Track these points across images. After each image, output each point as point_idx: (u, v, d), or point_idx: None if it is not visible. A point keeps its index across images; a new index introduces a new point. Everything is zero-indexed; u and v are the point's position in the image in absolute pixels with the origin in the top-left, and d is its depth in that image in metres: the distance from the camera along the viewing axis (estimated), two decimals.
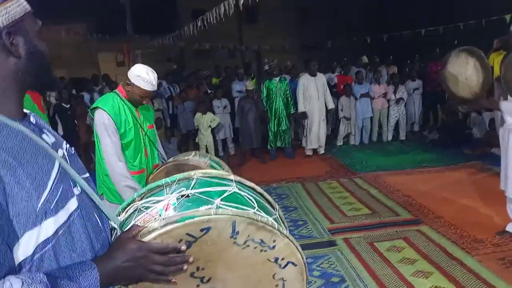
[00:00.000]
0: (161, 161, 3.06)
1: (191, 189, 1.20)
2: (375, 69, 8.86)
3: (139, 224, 1.09)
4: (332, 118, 8.25)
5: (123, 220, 1.19)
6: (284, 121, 7.45)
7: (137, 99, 2.75)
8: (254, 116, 7.22)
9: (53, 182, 0.91)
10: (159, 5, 19.10)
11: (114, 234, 1.15)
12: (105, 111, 2.63)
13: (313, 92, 7.27)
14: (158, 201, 1.20)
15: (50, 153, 0.94)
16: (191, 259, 1.05)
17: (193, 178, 1.26)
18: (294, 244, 1.19)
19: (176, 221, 1.05)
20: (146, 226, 1.06)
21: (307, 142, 7.52)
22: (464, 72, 3.63)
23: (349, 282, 3.22)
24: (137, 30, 14.64)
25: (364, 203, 4.99)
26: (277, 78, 7.48)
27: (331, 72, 9.22)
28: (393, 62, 9.90)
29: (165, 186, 1.26)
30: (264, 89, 7.50)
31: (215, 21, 7.25)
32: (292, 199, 5.28)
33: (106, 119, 2.62)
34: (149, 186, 1.28)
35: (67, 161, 1.02)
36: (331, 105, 7.46)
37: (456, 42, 8.14)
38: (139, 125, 2.80)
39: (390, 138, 8.24)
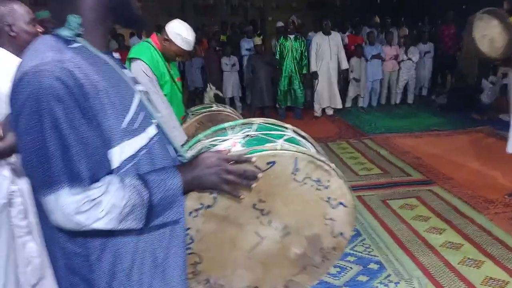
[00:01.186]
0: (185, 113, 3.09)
1: (254, 131, 1.32)
2: (386, 30, 8.70)
3: None
4: (341, 79, 8.19)
5: (191, 156, 1.26)
6: (296, 81, 7.38)
7: (172, 55, 2.73)
8: (265, 73, 7.15)
9: (135, 108, 1.02)
10: None
11: None
12: (146, 63, 2.60)
13: (326, 52, 7.15)
14: (225, 140, 1.30)
15: (131, 85, 1.05)
16: (260, 175, 1.11)
17: (254, 123, 1.38)
18: (346, 186, 1.27)
19: (245, 154, 1.13)
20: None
21: (317, 102, 7.49)
22: (489, 33, 3.60)
23: (364, 236, 3.35)
24: None
25: (375, 163, 5.07)
26: (292, 36, 7.34)
27: (341, 32, 9.05)
28: (404, 23, 9.69)
29: (229, 128, 1.38)
30: (278, 47, 7.37)
31: None
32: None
33: (150, 72, 2.59)
34: (213, 128, 1.41)
35: (144, 96, 1.12)
36: (345, 65, 7.36)
37: (465, 6, 8.00)
38: (172, 78, 2.80)
39: (398, 101, 8.23)
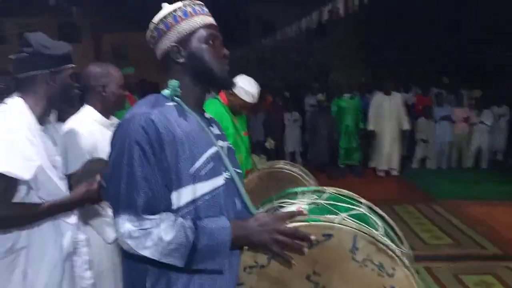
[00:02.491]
0: (252, 167, 3.13)
1: (322, 200, 1.32)
2: (456, 92, 8.41)
3: None
4: (407, 139, 7.92)
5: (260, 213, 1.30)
6: (354, 139, 7.29)
7: (237, 109, 2.82)
8: (325, 131, 7.13)
9: (206, 158, 1.15)
10: (230, 17, 19.73)
11: None
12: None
13: (386, 111, 7.01)
14: (291, 204, 1.31)
15: (211, 139, 1.20)
16: (313, 237, 1.11)
17: (326, 192, 1.39)
18: (415, 279, 1.16)
19: (302, 220, 1.14)
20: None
21: (378, 163, 7.27)
22: None
23: None
24: None
25: (445, 232, 4.70)
26: (348, 95, 7.35)
27: (405, 92, 8.88)
28: (476, 84, 9.32)
29: (300, 193, 1.41)
30: (335, 106, 7.40)
31: (290, 35, 7.31)
32: None
33: None
34: (287, 191, 1.46)
35: (224, 152, 1.24)
36: (406, 126, 7.15)
37: None
38: (237, 132, 2.87)
39: (470, 165, 7.74)
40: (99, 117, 2.00)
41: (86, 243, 1.76)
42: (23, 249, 1.49)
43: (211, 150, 1.18)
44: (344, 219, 1.15)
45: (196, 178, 1.12)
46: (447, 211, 5.43)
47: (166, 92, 1.19)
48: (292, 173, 2.79)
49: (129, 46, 18.22)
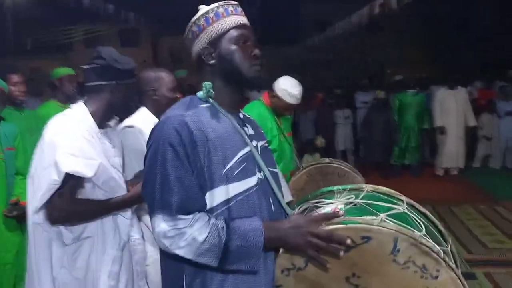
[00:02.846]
0: (297, 167, 3.10)
1: (360, 199, 1.24)
2: None
3: None
4: (468, 136, 7.42)
5: (295, 213, 1.28)
6: (414, 137, 6.95)
7: (281, 110, 2.81)
8: (382, 128, 6.84)
9: (238, 159, 1.17)
10: (284, 16, 19.68)
11: None
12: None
13: (451, 107, 6.63)
14: (328, 203, 1.27)
15: (245, 139, 1.21)
16: (348, 241, 1.06)
17: (363, 190, 1.31)
18: (461, 281, 1.08)
19: (339, 222, 1.10)
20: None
21: (440, 161, 6.88)
22: None
23: None
24: (264, 40, 15.31)
25: (508, 236, 4.34)
26: (411, 91, 7.01)
27: (470, 85, 8.32)
28: None
29: (337, 192, 1.35)
30: (397, 102, 7.08)
31: (342, 31, 7.14)
32: None
33: None
34: (323, 189, 1.40)
35: (258, 151, 1.25)
36: (472, 122, 6.74)
37: None
38: (281, 133, 2.86)
39: None
40: (153, 118, 2.12)
41: (141, 241, 1.86)
42: (88, 238, 1.63)
43: (244, 151, 1.19)
44: (383, 220, 1.10)
45: (229, 178, 1.13)
46: (511, 213, 5.02)
47: (200, 93, 1.22)
48: (341, 167, 2.74)
49: (184, 50, 18.86)
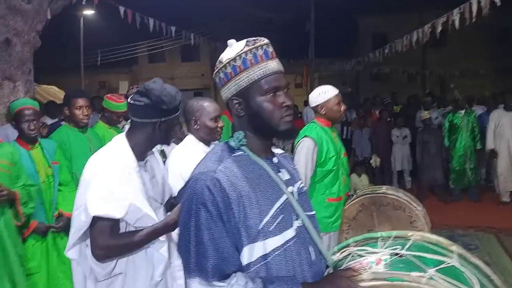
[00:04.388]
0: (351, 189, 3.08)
1: (406, 250, 1.17)
2: None
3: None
4: None
5: (336, 260, 1.24)
6: (470, 159, 6.57)
7: (336, 110, 2.84)
8: (436, 149, 6.55)
9: (275, 211, 1.13)
10: (341, 30, 19.50)
11: (327, 271, 1.23)
12: (313, 138, 2.76)
13: (507, 129, 6.19)
14: (371, 253, 1.21)
15: (280, 187, 1.17)
16: None
17: (410, 239, 1.23)
18: None
19: (384, 279, 1.05)
20: (357, 275, 1.09)
21: (500, 186, 6.43)
22: None
23: None
24: (318, 54, 15.26)
25: None
26: (463, 111, 6.67)
27: None
28: None
29: (380, 239, 1.27)
30: (447, 123, 6.77)
31: (402, 49, 6.94)
32: (483, 253, 4.56)
33: (313, 147, 2.73)
34: (366, 235, 1.33)
35: (295, 197, 1.21)
36: None
37: None
38: (338, 154, 2.85)
39: None
40: (198, 145, 2.22)
41: (181, 267, 1.88)
42: (120, 275, 1.69)
43: (280, 201, 1.15)
44: (432, 278, 1.03)
45: (266, 233, 1.10)
46: None
47: (231, 142, 1.19)
48: (398, 198, 2.65)
49: None
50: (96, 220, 1.58)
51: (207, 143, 2.26)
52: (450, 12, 5.03)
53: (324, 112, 2.85)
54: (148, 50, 18.70)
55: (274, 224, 1.12)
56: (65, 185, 2.89)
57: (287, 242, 1.13)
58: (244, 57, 1.15)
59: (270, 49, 1.19)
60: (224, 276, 1.06)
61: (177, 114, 1.78)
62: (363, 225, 2.78)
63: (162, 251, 1.75)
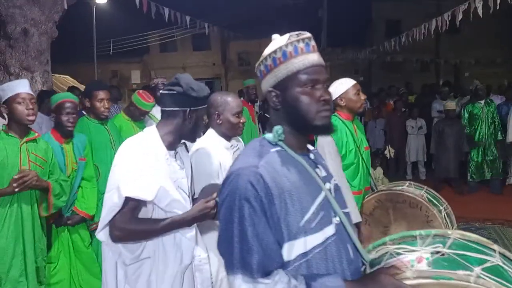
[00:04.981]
0: (372, 184, 3.05)
1: (447, 248, 1.14)
2: None
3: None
4: None
5: (373, 259, 1.23)
6: (491, 150, 6.47)
7: (356, 101, 2.81)
8: (453, 141, 6.45)
9: (316, 207, 1.12)
10: (353, 17, 19.22)
11: (363, 269, 1.22)
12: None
13: None
14: (410, 251, 1.19)
15: (319, 184, 1.17)
16: None
17: (450, 237, 1.20)
18: None
19: (430, 277, 1.02)
20: (400, 272, 1.08)
21: None
22: None
23: None
24: (330, 43, 15.08)
25: None
26: (482, 101, 6.53)
27: None
28: None
29: (419, 237, 1.24)
30: (466, 113, 6.64)
31: (420, 37, 6.78)
32: (501, 246, 4.50)
33: (330, 140, 2.69)
34: (402, 233, 1.30)
35: (332, 194, 1.20)
36: None
37: None
38: (358, 147, 2.82)
39: None
40: (220, 140, 2.22)
41: (207, 260, 1.90)
42: (148, 259, 1.71)
43: (320, 198, 1.15)
44: (480, 276, 1.01)
45: (307, 230, 1.09)
46: None
47: (270, 137, 1.18)
48: (415, 197, 2.63)
49: (250, 53, 19.32)
50: (127, 201, 1.62)
51: (228, 138, 2.25)
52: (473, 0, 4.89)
53: (344, 103, 2.82)
54: (160, 39, 18.70)
55: (315, 221, 1.11)
56: (88, 181, 2.93)
57: (327, 239, 1.13)
58: (285, 49, 1.14)
59: (312, 42, 1.18)
60: (267, 273, 1.05)
61: (204, 106, 1.83)
62: (379, 221, 2.78)
63: (189, 236, 1.78)
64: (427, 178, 7.23)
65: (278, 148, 1.17)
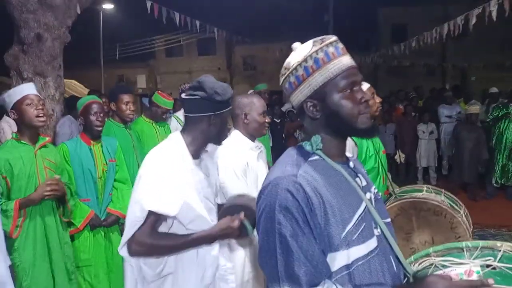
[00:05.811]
0: (389, 188, 3.00)
1: (498, 261, 1.09)
2: None
3: None
4: None
5: (416, 271, 1.18)
6: None
7: (372, 108, 2.76)
8: (471, 146, 6.35)
9: (357, 219, 1.08)
10: (359, 21, 19.21)
11: (404, 282, 1.17)
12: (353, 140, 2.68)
13: None
14: (458, 263, 1.13)
15: (359, 194, 1.12)
16: None
17: (500, 250, 1.14)
18: None
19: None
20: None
21: None
22: None
23: None
24: None
25: None
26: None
27: None
28: None
29: (465, 249, 1.19)
30: (490, 116, 6.56)
31: (431, 41, 6.72)
32: None
33: (353, 146, 2.65)
34: (448, 245, 1.25)
35: (372, 204, 1.16)
36: None
37: None
38: (377, 152, 2.78)
39: None
40: (245, 140, 2.24)
41: (232, 270, 1.86)
42: (170, 275, 1.67)
43: (361, 209, 1.10)
44: None
45: (349, 242, 1.05)
46: None
47: (307, 146, 1.14)
48: (439, 205, 2.59)
49: (255, 57, 19.39)
50: (149, 215, 1.57)
51: (253, 138, 2.28)
52: (487, 3, 4.84)
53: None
54: (165, 44, 18.76)
55: (357, 234, 1.07)
56: (123, 183, 2.92)
57: (371, 252, 1.09)
58: (316, 56, 1.10)
59: (340, 45, 1.14)
60: (315, 284, 1.01)
61: (229, 108, 1.77)
62: (401, 228, 2.74)
63: (213, 253, 1.72)
64: (438, 184, 7.16)
65: (316, 157, 1.13)
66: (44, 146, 2.49)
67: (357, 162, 1.28)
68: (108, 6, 13.14)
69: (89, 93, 5.84)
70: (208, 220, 1.70)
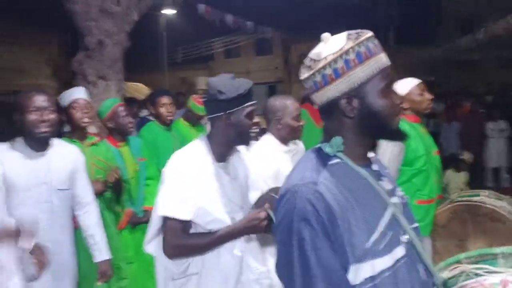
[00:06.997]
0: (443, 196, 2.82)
1: None
2: None
3: None
4: None
5: (446, 279, 1.13)
6: None
7: (423, 101, 2.65)
8: None
9: (383, 227, 1.01)
10: (423, 12, 18.25)
11: None
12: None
13: None
14: (492, 272, 1.08)
15: (384, 199, 1.05)
16: None
17: None
18: None
19: None
20: None
21: None
22: None
23: None
24: (400, 41, 14.39)
25: None
26: None
27: None
28: None
29: (501, 256, 1.13)
30: None
31: (494, 31, 6.21)
32: None
33: (397, 147, 2.54)
34: (481, 251, 1.19)
35: (399, 209, 1.08)
36: None
37: None
38: (428, 152, 2.62)
39: None
40: (277, 145, 2.19)
41: (267, 274, 1.81)
42: (195, 275, 1.67)
43: (387, 216, 1.03)
44: None
45: (375, 253, 0.98)
46: None
47: (327, 149, 1.05)
48: (496, 209, 2.38)
49: None
50: (165, 219, 1.61)
51: (286, 142, 2.23)
52: None
53: (407, 105, 2.64)
54: (224, 46, 19.21)
55: (384, 243, 1.00)
56: (154, 179, 3.00)
57: (397, 261, 1.02)
58: (358, 50, 1.01)
59: (376, 41, 1.06)
60: None
61: (245, 105, 1.68)
62: (453, 234, 2.58)
63: (236, 252, 1.70)
64: (511, 186, 6.60)
65: (337, 160, 1.05)
66: (95, 144, 2.67)
67: (380, 163, 1.20)
68: (170, 12, 13.70)
69: (126, 101, 6.06)
70: (227, 223, 1.67)
